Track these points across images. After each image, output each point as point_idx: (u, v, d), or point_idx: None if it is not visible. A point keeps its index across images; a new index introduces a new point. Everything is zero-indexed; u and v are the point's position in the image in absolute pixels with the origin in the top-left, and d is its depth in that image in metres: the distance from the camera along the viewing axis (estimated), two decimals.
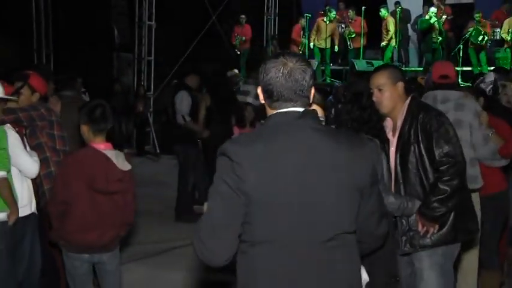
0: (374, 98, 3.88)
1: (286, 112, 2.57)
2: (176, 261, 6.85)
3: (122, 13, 15.93)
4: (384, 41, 16.75)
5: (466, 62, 15.28)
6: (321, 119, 2.94)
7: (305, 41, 17.17)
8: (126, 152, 4.65)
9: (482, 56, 15.17)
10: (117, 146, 5.19)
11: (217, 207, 2.48)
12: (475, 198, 5.30)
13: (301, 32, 17.55)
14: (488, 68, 14.08)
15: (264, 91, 2.60)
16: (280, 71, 2.54)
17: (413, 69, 16.39)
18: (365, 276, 2.91)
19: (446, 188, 3.80)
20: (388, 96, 3.97)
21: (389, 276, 3.33)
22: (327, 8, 16.98)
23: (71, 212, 4.29)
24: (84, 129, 4.36)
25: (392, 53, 17.06)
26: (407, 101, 4.01)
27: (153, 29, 15.43)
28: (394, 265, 3.38)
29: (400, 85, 4.05)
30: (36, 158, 4.83)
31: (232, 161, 2.43)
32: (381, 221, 2.73)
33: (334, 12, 16.84)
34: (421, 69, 15.32)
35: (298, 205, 2.50)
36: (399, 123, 4.02)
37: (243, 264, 2.57)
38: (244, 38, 17.49)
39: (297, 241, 2.53)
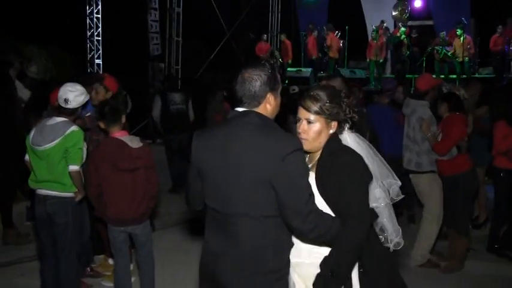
0: None
1: (235, 111, 2.54)
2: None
3: (155, 31, 15.99)
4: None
5: (428, 71, 15.27)
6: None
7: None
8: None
9: (445, 66, 15.23)
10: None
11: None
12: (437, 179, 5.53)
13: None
14: (450, 76, 14.32)
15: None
16: (237, 79, 2.50)
17: (387, 76, 16.33)
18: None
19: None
20: None
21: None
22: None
23: (104, 192, 4.27)
24: (101, 124, 4.36)
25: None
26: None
27: (180, 44, 15.52)
28: (398, 276, 2.72)
29: None
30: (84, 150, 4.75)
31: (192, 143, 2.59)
32: (296, 217, 2.34)
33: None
34: (393, 76, 15.49)
35: (218, 181, 2.47)
36: None
37: None
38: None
39: (213, 208, 2.52)
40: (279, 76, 2.59)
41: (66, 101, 4.29)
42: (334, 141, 2.60)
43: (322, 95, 2.55)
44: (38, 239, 4.49)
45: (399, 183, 2.67)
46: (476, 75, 15.08)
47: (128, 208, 4.25)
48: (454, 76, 14.69)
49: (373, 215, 2.60)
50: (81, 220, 4.71)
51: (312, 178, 2.52)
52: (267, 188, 2.35)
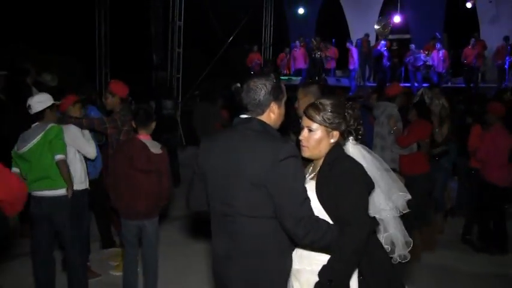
0: None
1: (240, 117, 2.49)
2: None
3: (158, 43, 16.01)
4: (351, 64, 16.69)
5: (406, 79, 15.49)
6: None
7: None
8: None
9: (419, 75, 15.37)
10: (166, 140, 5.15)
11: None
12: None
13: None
14: (423, 85, 14.43)
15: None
16: (244, 88, 2.46)
17: (370, 84, 16.38)
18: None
19: None
20: None
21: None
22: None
23: (119, 186, 4.27)
24: (133, 124, 4.41)
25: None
26: None
27: (181, 54, 15.55)
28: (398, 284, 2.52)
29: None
30: (93, 145, 4.79)
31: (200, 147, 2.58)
32: (290, 220, 2.26)
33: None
34: (375, 84, 15.62)
35: (220, 183, 2.44)
36: None
37: None
38: (258, 61, 17.56)
39: (216, 210, 2.49)
40: (283, 87, 2.53)
41: (29, 107, 4.30)
42: (336, 150, 2.46)
43: (326, 105, 2.43)
44: (33, 237, 4.43)
45: (408, 196, 2.50)
46: (449, 85, 15.25)
47: (138, 204, 4.24)
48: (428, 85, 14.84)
49: (374, 223, 2.45)
50: (81, 215, 4.69)
51: (312, 185, 2.42)
52: (263, 191, 2.30)
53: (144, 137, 4.31)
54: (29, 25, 13.13)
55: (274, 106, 2.46)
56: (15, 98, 6.43)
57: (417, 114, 5.69)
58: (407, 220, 4.64)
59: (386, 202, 2.45)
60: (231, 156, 2.39)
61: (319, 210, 2.35)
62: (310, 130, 2.46)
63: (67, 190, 4.30)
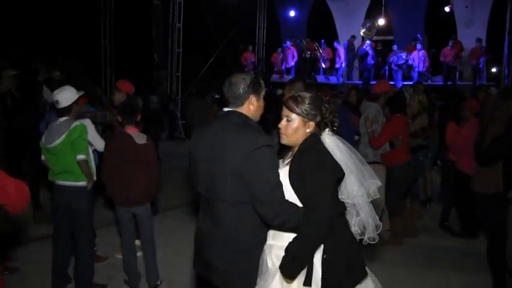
0: None
1: (222, 110, 2.55)
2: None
3: (159, 43, 16.03)
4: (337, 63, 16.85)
5: (389, 77, 15.51)
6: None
7: None
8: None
9: (400, 74, 15.48)
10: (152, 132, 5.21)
11: None
12: (381, 169, 5.47)
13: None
14: (404, 83, 14.51)
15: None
16: (226, 83, 2.52)
17: (355, 82, 16.47)
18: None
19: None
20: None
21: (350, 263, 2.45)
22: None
23: (113, 177, 4.30)
24: (119, 119, 4.44)
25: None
26: None
27: (180, 54, 15.55)
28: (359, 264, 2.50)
29: None
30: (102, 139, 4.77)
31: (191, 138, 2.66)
32: (261, 205, 2.33)
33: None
34: (361, 82, 15.71)
35: (205, 171, 2.51)
36: None
37: None
38: (252, 59, 17.71)
39: (203, 194, 2.57)
40: (262, 82, 2.57)
41: (56, 102, 4.28)
42: (310, 139, 2.48)
43: (304, 97, 2.47)
44: (55, 223, 4.49)
45: (379, 183, 2.53)
46: (429, 82, 15.36)
47: (130, 192, 4.27)
48: (410, 83, 14.92)
49: (341, 207, 2.47)
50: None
51: (286, 171, 2.45)
52: (239, 179, 2.36)
53: (131, 130, 4.33)
54: (40, 29, 13.14)
55: (253, 99, 2.51)
56: (27, 94, 6.48)
57: (390, 110, 5.64)
58: (389, 207, 4.85)
59: (359, 188, 2.47)
60: (214, 146, 2.46)
61: (291, 194, 2.41)
62: (288, 120, 2.49)
63: (87, 183, 4.34)
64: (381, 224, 2.55)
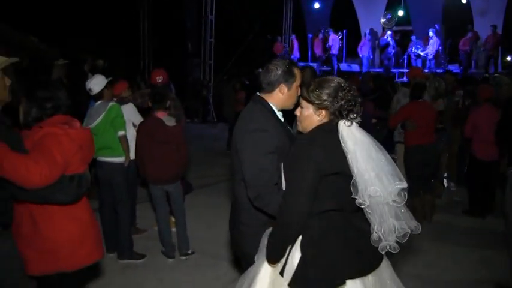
0: None
1: (255, 95, 2.52)
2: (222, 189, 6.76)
3: (192, 33, 16.07)
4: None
5: (408, 66, 15.17)
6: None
7: None
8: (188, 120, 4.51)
9: (419, 62, 15.11)
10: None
11: None
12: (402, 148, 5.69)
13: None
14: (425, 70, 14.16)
15: None
16: (263, 70, 2.47)
17: (376, 70, 16.23)
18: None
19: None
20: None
21: None
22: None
23: (145, 157, 4.36)
24: (149, 104, 4.47)
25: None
26: None
27: (213, 44, 15.57)
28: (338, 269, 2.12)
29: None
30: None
31: None
32: (246, 183, 2.34)
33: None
34: (382, 69, 15.44)
35: (233, 150, 2.48)
36: None
37: None
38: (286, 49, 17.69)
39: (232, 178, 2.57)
40: (297, 72, 2.45)
41: (89, 90, 4.46)
42: (317, 128, 2.19)
43: (316, 86, 2.19)
44: (99, 195, 4.65)
45: (405, 185, 2.04)
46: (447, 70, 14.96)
47: (162, 171, 4.32)
48: (427, 70, 14.60)
49: (323, 205, 2.12)
50: (133, 180, 4.82)
51: None
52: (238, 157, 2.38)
53: (161, 114, 4.38)
54: (85, 23, 13.44)
55: (283, 87, 2.42)
56: (75, 82, 6.61)
57: (410, 96, 5.58)
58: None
59: (376, 189, 2.01)
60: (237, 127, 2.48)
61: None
62: (301, 107, 2.27)
63: (125, 159, 4.46)
64: (410, 231, 2.06)
